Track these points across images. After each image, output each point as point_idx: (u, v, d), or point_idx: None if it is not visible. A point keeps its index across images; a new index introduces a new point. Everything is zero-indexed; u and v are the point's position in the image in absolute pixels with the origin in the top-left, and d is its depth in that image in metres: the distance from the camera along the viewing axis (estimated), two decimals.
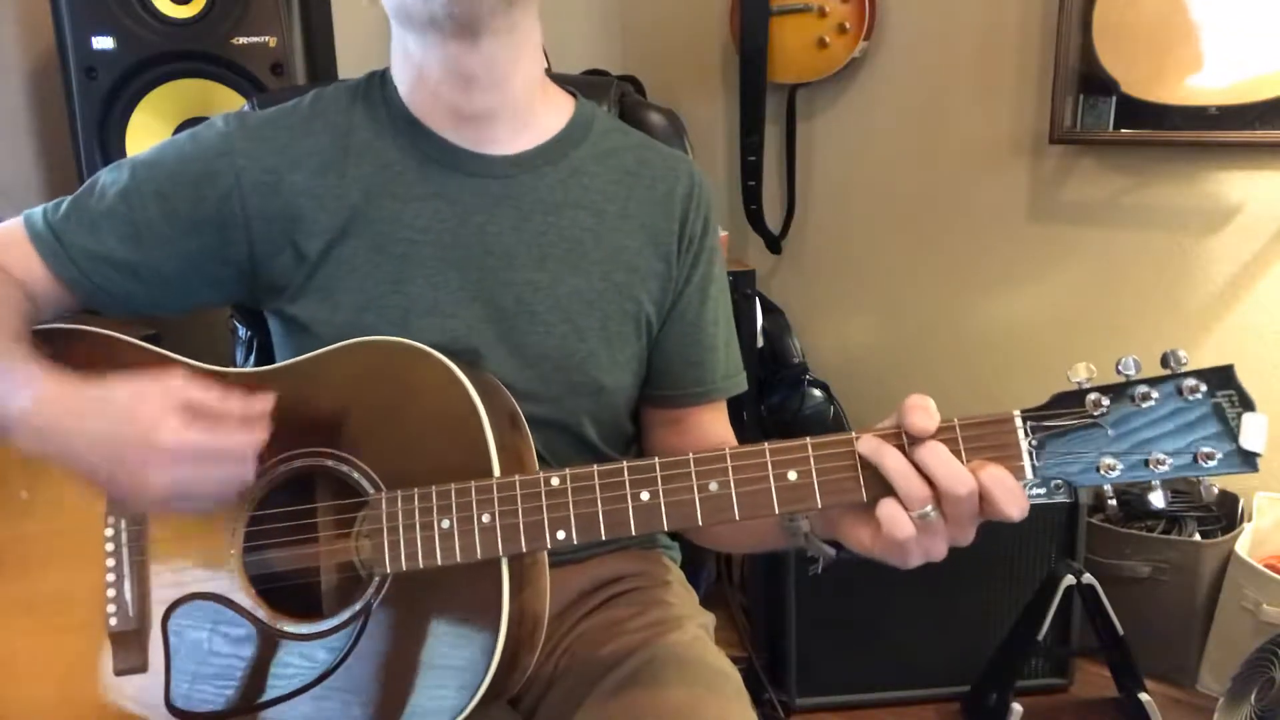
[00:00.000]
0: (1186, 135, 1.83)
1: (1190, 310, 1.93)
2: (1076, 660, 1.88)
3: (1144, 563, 1.86)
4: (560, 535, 0.75)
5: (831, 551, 0.78)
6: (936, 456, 0.68)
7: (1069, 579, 1.67)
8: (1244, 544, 1.79)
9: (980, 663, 1.78)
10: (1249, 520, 1.85)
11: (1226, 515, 1.89)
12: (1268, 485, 1.87)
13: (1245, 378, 0.68)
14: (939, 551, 0.71)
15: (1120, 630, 1.69)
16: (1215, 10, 1.75)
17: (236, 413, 0.75)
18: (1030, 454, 0.69)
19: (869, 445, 0.70)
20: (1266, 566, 1.74)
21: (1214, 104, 1.78)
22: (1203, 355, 1.86)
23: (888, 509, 0.69)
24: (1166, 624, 1.86)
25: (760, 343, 2.15)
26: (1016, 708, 1.73)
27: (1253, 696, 1.56)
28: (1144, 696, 1.70)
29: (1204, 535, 1.85)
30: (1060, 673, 1.88)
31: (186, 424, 0.72)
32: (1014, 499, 0.68)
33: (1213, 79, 1.77)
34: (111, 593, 0.82)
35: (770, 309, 2.29)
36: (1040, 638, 1.69)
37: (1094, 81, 1.92)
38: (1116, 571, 1.85)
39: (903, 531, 0.69)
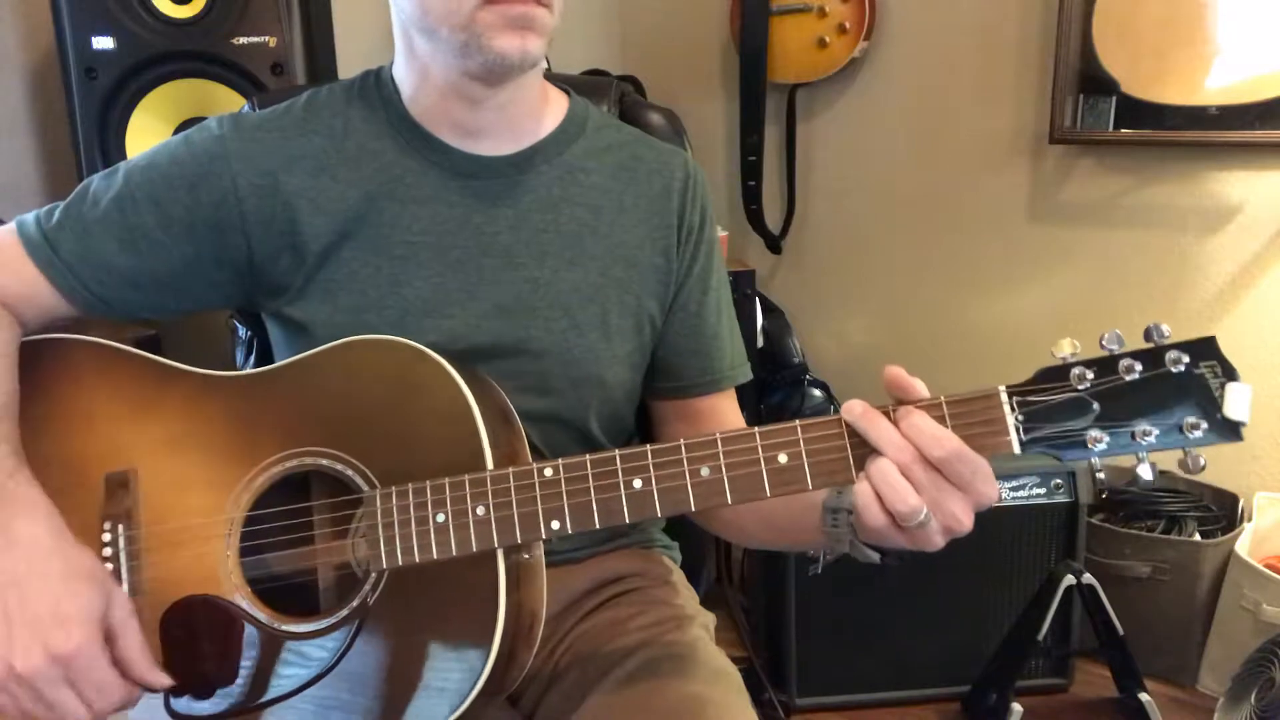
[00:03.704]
0: (1186, 135, 1.83)
1: (1190, 310, 1.93)
2: (1076, 660, 1.87)
3: (1144, 563, 1.86)
4: (555, 525, 0.75)
5: (876, 557, 0.77)
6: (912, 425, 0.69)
7: (1069, 579, 1.67)
8: (1244, 544, 1.79)
9: (980, 663, 1.78)
10: (1249, 520, 1.85)
11: (1226, 515, 1.89)
12: (1267, 485, 1.87)
13: (1245, 377, 0.68)
14: (959, 521, 0.70)
15: (1120, 630, 1.69)
16: (1215, 11, 1.75)
17: (137, 676, 0.77)
18: (1017, 429, 0.69)
19: (854, 411, 0.71)
20: (1266, 566, 1.74)
21: (1214, 104, 1.78)
22: None
23: (878, 467, 0.69)
24: (1166, 624, 1.86)
25: (760, 343, 2.15)
26: (1016, 708, 1.73)
27: (1253, 696, 1.56)
28: (1144, 696, 1.70)
29: (1204, 535, 1.85)
30: (1060, 673, 1.88)
31: (92, 640, 0.74)
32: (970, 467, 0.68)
33: (1213, 79, 1.77)
34: None
35: (770, 309, 2.30)
36: (1040, 638, 1.69)
37: (1094, 81, 1.92)
38: (1116, 571, 1.86)
39: (892, 487, 0.68)
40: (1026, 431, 0.69)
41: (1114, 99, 1.91)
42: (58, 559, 0.76)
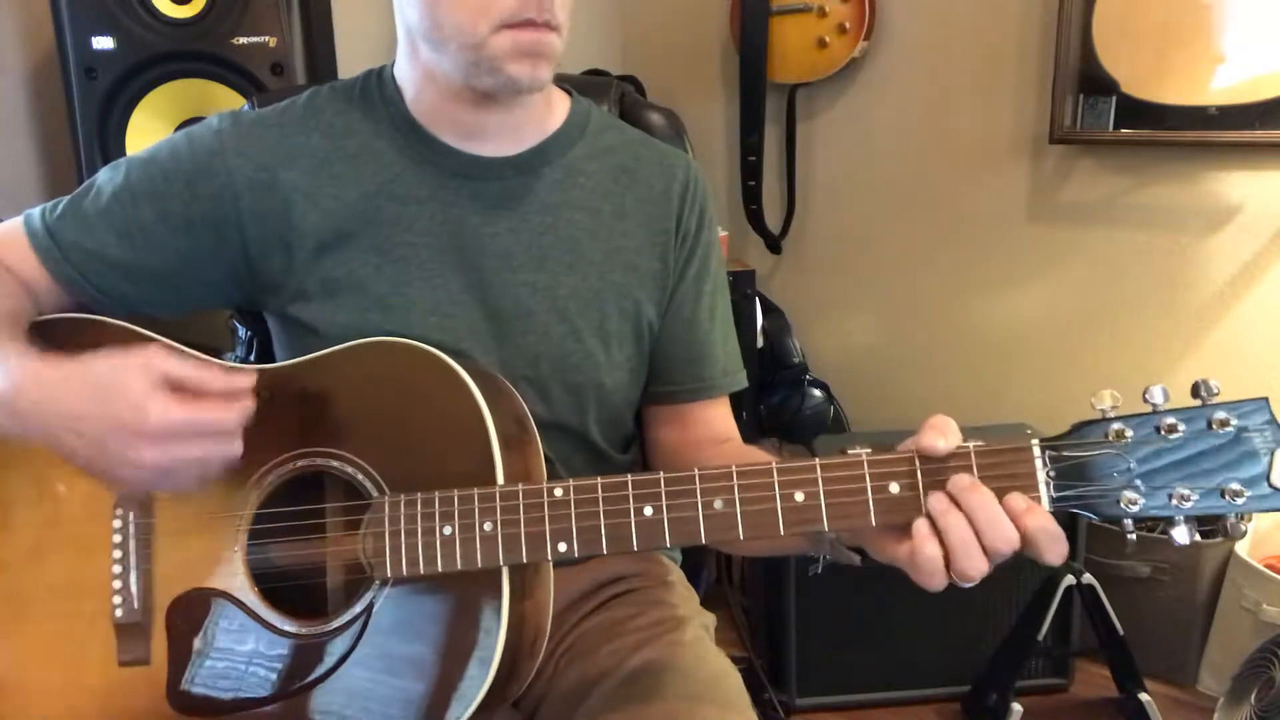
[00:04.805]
0: (1186, 135, 1.83)
1: (1190, 310, 1.93)
2: (1076, 660, 1.88)
3: (1144, 563, 1.86)
4: (562, 547, 0.74)
5: (855, 559, 0.76)
6: (985, 509, 0.66)
7: (1069, 579, 1.67)
8: (1244, 544, 1.79)
9: (980, 663, 1.78)
10: (1249, 520, 1.84)
11: None
12: None
13: (1244, 378, 0.67)
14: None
15: (1120, 630, 1.69)
16: (1215, 11, 1.75)
17: (218, 387, 0.73)
18: (1047, 485, 0.67)
19: (939, 504, 0.68)
20: (1266, 566, 1.74)
21: (1214, 104, 1.78)
22: (1202, 355, 1.86)
23: (928, 564, 0.68)
24: (1166, 624, 1.86)
25: (760, 343, 2.15)
26: (1016, 708, 1.73)
27: (1253, 696, 1.56)
28: (1144, 696, 1.70)
29: (1204, 535, 1.83)
30: (1060, 673, 1.88)
31: (168, 401, 0.70)
32: (1056, 546, 0.66)
33: (1213, 79, 1.77)
34: (118, 584, 0.82)
35: (770, 309, 2.29)
36: (1040, 638, 1.69)
37: (1094, 81, 1.92)
38: (1116, 571, 1.85)
39: (936, 583, 0.68)
40: (1058, 489, 0.67)
41: (1114, 99, 1.91)
42: (77, 378, 0.73)
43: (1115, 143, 1.95)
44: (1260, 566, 1.74)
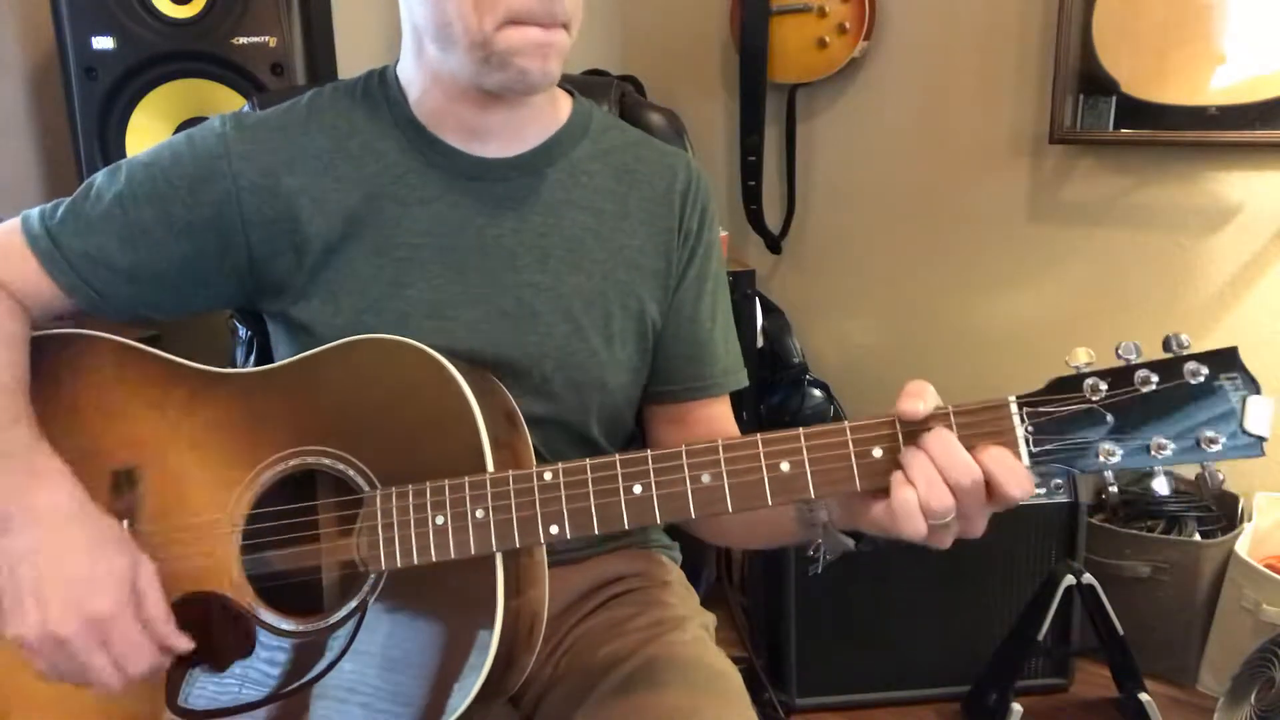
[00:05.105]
0: (1186, 135, 1.83)
1: (1190, 310, 1.93)
2: (1076, 660, 1.88)
3: (1144, 563, 1.86)
4: (554, 530, 0.75)
5: (850, 543, 0.76)
6: (943, 444, 0.67)
7: (1069, 579, 1.67)
8: (1244, 544, 1.79)
9: (980, 663, 1.78)
10: (1249, 520, 1.85)
11: (1226, 515, 1.89)
12: (1267, 485, 1.87)
13: None
14: (945, 542, 0.70)
15: (1120, 630, 1.69)
16: (1215, 11, 1.75)
17: (159, 632, 0.78)
18: (1026, 440, 0.68)
19: (907, 453, 0.69)
20: (1266, 566, 1.74)
21: (1214, 104, 1.78)
22: None
23: (904, 506, 0.68)
24: (1166, 624, 1.86)
25: (760, 343, 2.15)
26: (1016, 708, 1.73)
27: (1253, 696, 1.56)
28: (1144, 696, 1.70)
29: (1204, 535, 1.85)
30: (1060, 673, 1.88)
31: (123, 605, 0.76)
32: (1015, 478, 0.67)
33: (1213, 79, 1.77)
34: None
35: (770, 309, 2.30)
36: (1040, 638, 1.69)
37: (1094, 81, 1.92)
38: (1116, 571, 1.86)
39: (915, 527, 0.68)
40: (1036, 443, 0.67)
41: (1114, 99, 1.91)
42: (83, 526, 0.78)
43: (1115, 143, 1.95)
44: (1260, 566, 1.74)
